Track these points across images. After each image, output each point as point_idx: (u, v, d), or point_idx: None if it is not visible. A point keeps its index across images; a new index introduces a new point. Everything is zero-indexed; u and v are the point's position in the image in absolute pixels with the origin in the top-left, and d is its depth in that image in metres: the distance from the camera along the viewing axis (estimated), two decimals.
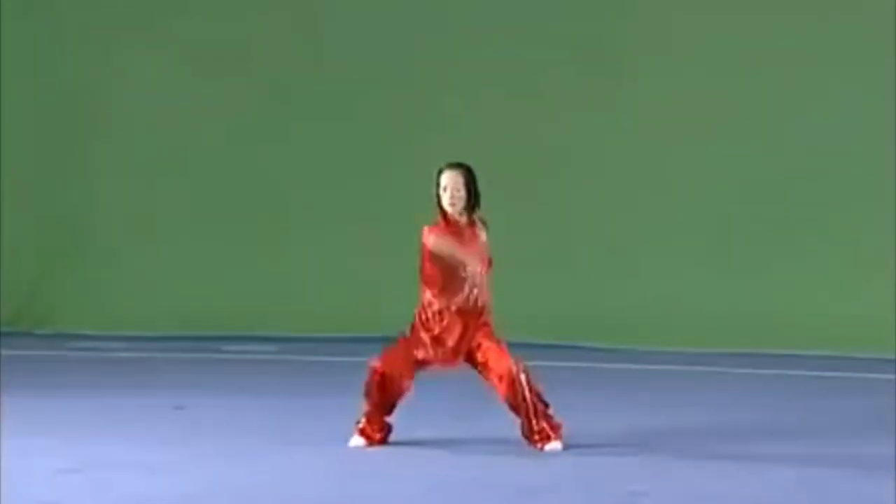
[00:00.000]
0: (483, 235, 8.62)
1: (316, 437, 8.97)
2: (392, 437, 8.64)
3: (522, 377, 8.35)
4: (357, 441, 8.59)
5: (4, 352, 13.20)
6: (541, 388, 8.42)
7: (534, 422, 8.38)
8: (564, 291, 13.91)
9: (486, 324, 8.54)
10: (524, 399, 8.35)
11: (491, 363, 8.44)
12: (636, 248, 13.96)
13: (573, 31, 14.14)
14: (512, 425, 8.46)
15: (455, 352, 8.51)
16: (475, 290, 8.50)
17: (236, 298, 14.71)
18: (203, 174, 14.95)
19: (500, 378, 8.39)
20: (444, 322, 8.48)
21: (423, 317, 8.54)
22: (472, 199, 8.55)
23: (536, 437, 8.40)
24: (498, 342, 8.51)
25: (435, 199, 8.55)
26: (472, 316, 8.49)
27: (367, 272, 14.37)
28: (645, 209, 14.02)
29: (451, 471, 8.08)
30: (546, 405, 8.45)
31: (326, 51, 14.74)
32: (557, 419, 8.46)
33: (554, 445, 8.38)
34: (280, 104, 14.74)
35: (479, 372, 8.55)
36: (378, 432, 8.61)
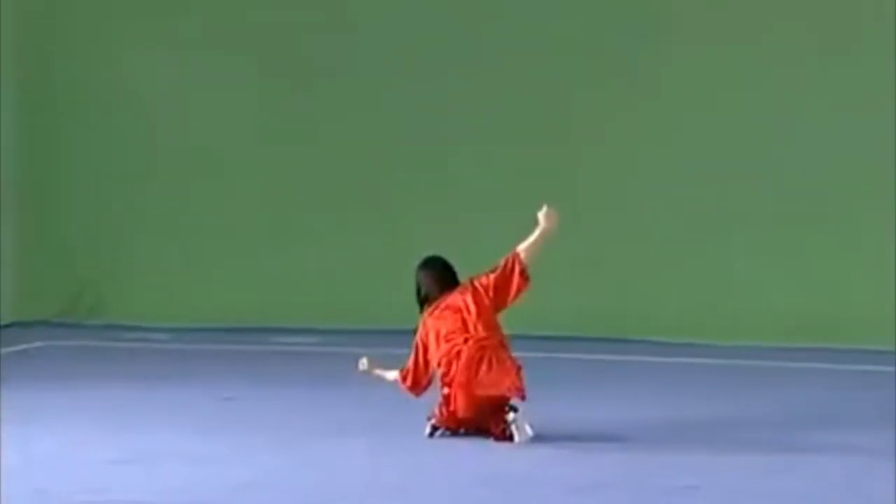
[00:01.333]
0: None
1: (362, 428, 9.02)
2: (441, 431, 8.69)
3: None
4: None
5: (57, 342, 13.36)
6: None
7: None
8: (613, 287, 13.95)
9: None
10: None
11: None
12: (685, 246, 14.00)
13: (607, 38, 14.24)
14: (559, 421, 8.47)
15: None
16: None
17: (282, 290, 14.79)
18: (247, 168, 15.02)
19: None
20: None
21: None
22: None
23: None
24: None
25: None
26: None
27: (410, 265, 14.41)
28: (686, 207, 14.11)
29: (501, 466, 8.08)
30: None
31: (359, 42, 14.79)
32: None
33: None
34: (310, 98, 14.82)
35: None
36: None
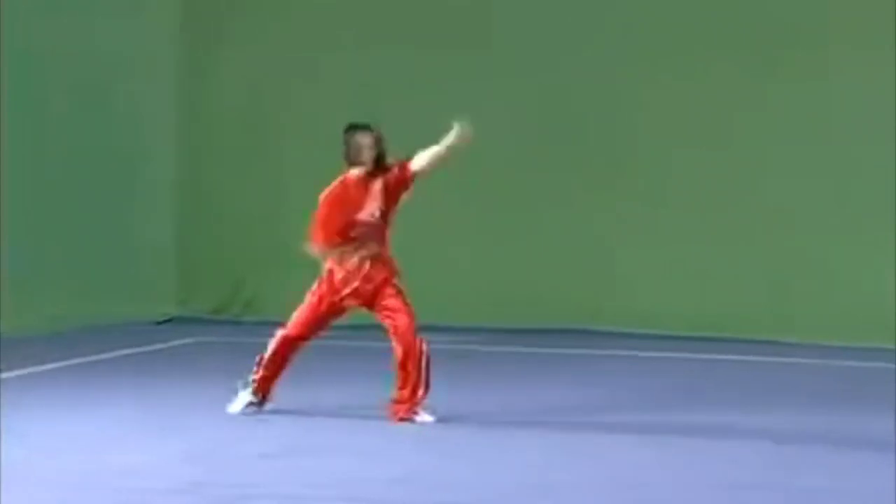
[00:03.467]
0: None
1: (515, 422, 8.99)
2: (589, 425, 8.61)
3: (425, 347, 9.05)
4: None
5: (212, 338, 13.55)
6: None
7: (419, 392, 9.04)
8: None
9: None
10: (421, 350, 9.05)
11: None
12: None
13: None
14: (718, 419, 8.35)
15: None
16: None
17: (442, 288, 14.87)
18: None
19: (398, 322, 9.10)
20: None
21: None
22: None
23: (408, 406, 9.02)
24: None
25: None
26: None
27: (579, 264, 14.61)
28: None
29: (650, 461, 7.99)
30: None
31: (550, 43, 14.86)
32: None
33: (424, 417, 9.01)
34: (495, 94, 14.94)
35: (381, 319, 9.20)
36: None
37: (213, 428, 8.96)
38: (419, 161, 9.17)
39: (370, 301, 9.26)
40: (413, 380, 9.08)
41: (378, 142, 9.24)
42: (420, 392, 9.10)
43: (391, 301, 9.20)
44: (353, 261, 9.22)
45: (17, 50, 13.74)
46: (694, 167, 14.41)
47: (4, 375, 11.08)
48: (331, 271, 9.30)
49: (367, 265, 9.22)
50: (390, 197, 9.21)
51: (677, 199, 14.47)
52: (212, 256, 15.59)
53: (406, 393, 9.10)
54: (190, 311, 15.45)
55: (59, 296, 14.15)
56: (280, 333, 9.38)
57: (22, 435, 8.63)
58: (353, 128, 9.34)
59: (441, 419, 9.06)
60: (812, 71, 14.12)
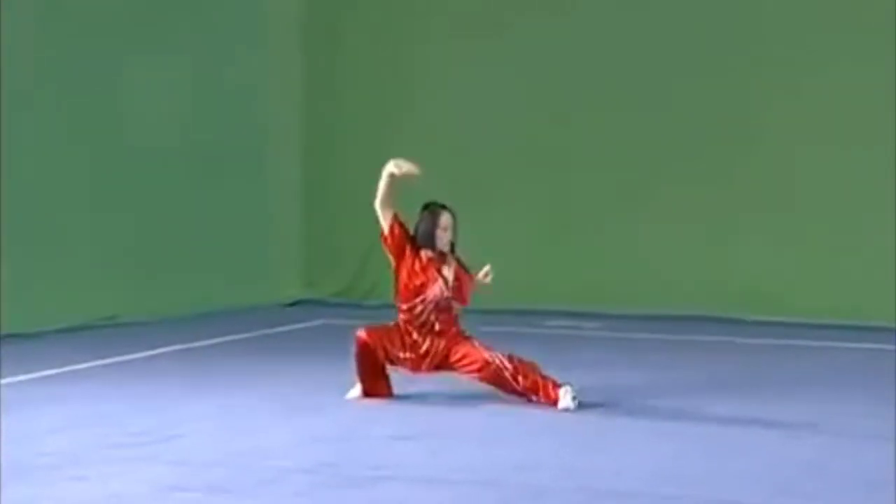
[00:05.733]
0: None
1: (646, 413, 8.95)
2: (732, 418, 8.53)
3: (497, 361, 9.05)
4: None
5: (337, 321, 13.65)
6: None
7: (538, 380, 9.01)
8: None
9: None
10: (505, 368, 9.03)
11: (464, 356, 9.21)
12: None
13: None
14: (844, 413, 8.23)
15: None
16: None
17: (559, 273, 14.86)
18: (510, 153, 15.22)
19: (475, 363, 9.12)
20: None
21: None
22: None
23: (541, 392, 8.98)
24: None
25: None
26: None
27: (700, 251, 14.51)
28: None
29: (784, 452, 7.91)
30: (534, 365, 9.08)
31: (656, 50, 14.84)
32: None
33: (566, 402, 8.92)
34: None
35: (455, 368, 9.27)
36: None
37: (342, 410, 9.04)
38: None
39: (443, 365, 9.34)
40: (529, 386, 9.05)
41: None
42: (545, 388, 9.04)
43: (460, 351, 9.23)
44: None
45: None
46: (817, 165, 14.27)
47: (130, 357, 11.29)
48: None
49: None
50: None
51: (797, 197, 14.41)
52: (337, 241, 15.73)
53: (540, 396, 9.08)
54: (316, 294, 15.62)
55: (190, 280, 14.36)
56: (357, 333, 9.36)
57: (155, 414, 8.79)
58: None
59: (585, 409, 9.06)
60: None
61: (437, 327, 9.28)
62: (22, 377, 10.20)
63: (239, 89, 15.24)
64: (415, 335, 9.28)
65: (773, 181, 14.46)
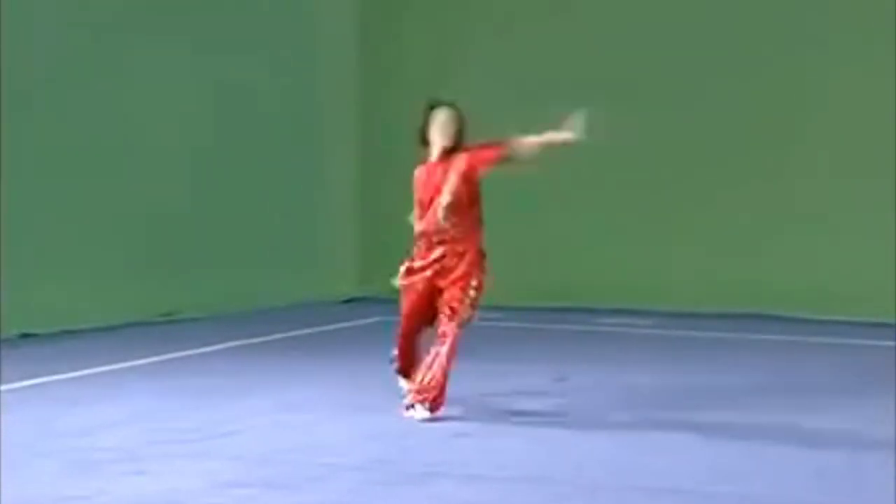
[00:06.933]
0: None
1: (690, 413, 8.93)
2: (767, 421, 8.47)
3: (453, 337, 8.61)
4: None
5: (392, 318, 13.65)
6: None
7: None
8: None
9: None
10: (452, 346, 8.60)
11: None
12: None
13: None
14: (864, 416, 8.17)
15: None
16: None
17: (613, 271, 14.84)
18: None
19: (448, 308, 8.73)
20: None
21: None
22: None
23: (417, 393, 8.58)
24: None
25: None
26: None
27: (753, 250, 14.48)
28: None
29: (818, 454, 7.88)
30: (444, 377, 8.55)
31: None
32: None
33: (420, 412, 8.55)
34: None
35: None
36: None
37: (397, 406, 9.07)
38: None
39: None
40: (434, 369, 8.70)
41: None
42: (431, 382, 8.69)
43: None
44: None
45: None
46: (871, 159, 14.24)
47: (186, 353, 11.37)
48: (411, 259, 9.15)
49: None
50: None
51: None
52: (392, 238, 15.74)
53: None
54: (371, 291, 15.66)
55: (245, 277, 14.46)
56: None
57: (211, 410, 8.84)
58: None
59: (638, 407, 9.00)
60: None
61: (450, 233, 9.04)
62: (80, 373, 10.30)
63: (294, 86, 15.31)
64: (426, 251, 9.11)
65: (824, 178, 14.38)
